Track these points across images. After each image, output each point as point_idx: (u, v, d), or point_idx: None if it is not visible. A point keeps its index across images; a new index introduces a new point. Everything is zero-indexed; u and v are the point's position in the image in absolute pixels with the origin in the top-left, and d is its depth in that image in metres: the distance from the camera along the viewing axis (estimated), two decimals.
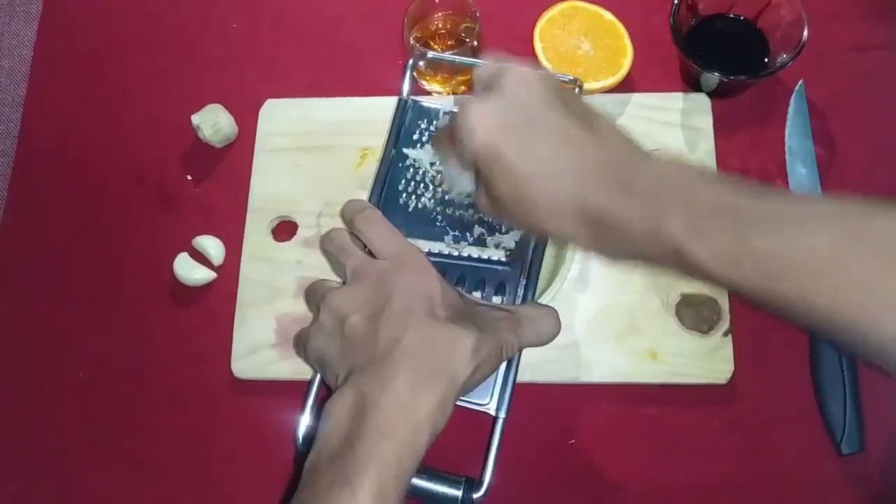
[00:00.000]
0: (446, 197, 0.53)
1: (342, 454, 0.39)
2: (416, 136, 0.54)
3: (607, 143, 0.41)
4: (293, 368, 0.60)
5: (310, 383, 0.50)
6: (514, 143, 0.41)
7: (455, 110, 0.55)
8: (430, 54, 0.59)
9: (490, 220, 0.52)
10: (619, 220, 0.39)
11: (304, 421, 0.49)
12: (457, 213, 0.53)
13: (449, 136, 0.45)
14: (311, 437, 0.43)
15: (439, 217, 0.53)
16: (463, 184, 0.50)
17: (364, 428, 0.39)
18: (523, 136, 0.41)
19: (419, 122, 0.54)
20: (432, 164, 0.54)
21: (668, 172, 0.40)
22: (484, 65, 0.46)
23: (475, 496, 0.46)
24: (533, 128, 0.41)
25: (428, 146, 0.54)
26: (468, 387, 0.43)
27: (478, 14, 0.65)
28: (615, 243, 0.40)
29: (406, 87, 0.55)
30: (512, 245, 0.52)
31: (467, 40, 0.65)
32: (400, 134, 0.54)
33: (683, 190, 0.39)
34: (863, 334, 0.34)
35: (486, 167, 0.41)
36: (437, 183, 0.53)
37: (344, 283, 0.48)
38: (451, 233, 0.52)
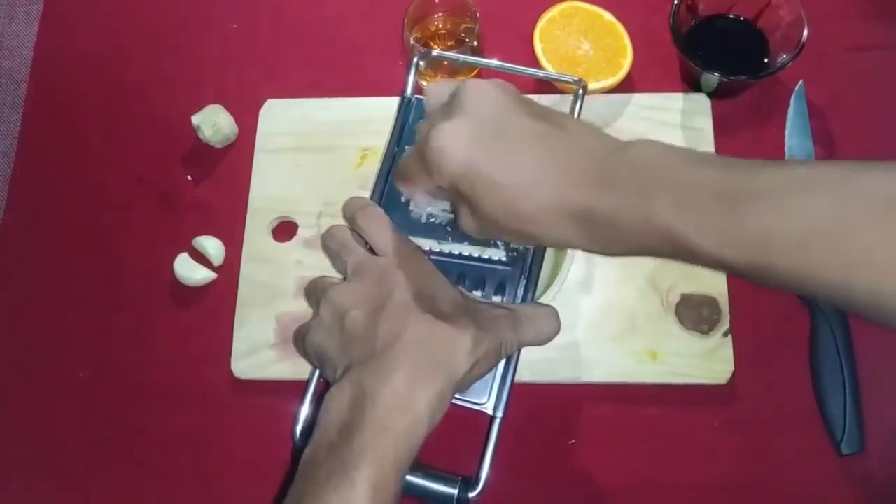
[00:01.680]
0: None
1: (340, 445, 0.39)
2: (419, 135, 0.54)
3: (580, 138, 0.41)
4: (293, 369, 0.60)
5: (308, 378, 0.50)
6: (490, 156, 0.40)
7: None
8: (435, 52, 0.59)
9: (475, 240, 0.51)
10: (607, 216, 0.38)
11: (303, 415, 0.49)
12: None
13: (415, 164, 0.44)
14: (308, 432, 0.43)
15: (441, 216, 0.52)
16: (436, 208, 0.50)
17: (362, 420, 0.39)
18: (497, 147, 0.40)
19: (423, 120, 0.54)
20: None
21: (648, 156, 0.39)
22: (432, 86, 0.45)
23: (471, 495, 0.46)
24: (504, 137, 0.40)
25: None
26: (466, 383, 0.43)
27: (478, 14, 0.65)
28: (609, 239, 0.39)
29: (410, 84, 0.55)
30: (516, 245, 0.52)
31: (467, 40, 0.65)
32: (403, 132, 0.54)
33: (666, 172, 0.38)
34: (866, 298, 0.34)
35: (468, 186, 0.41)
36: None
37: (344, 279, 0.48)
38: (452, 232, 0.52)
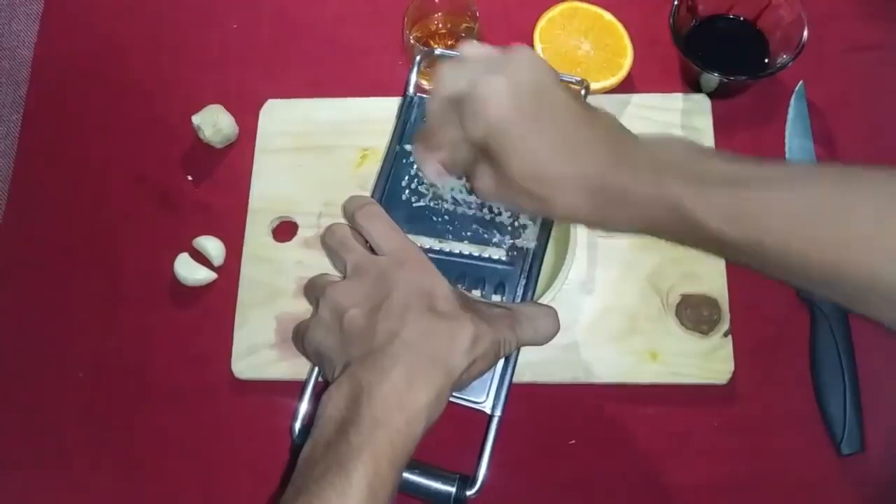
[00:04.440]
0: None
1: (337, 442, 0.39)
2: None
3: (608, 122, 0.44)
4: (293, 369, 0.60)
5: (307, 376, 0.50)
6: (528, 117, 0.41)
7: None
8: (438, 51, 0.59)
9: (491, 208, 0.52)
10: (627, 191, 0.41)
11: (301, 413, 0.49)
12: (459, 211, 0.53)
13: (446, 112, 0.45)
14: (306, 429, 0.43)
15: (441, 214, 0.53)
16: (446, 180, 0.50)
17: (360, 416, 0.39)
18: (536, 111, 0.42)
19: (424, 119, 0.55)
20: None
21: (668, 144, 0.43)
22: (472, 47, 0.46)
23: (469, 493, 0.46)
24: (544, 104, 0.42)
25: None
26: (464, 381, 0.43)
27: (478, 14, 0.65)
28: (620, 213, 0.42)
29: (413, 83, 0.55)
30: (524, 244, 0.52)
31: (467, 40, 0.65)
32: (405, 130, 0.54)
33: (682, 157, 0.41)
34: (856, 280, 0.36)
35: (498, 144, 0.42)
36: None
37: (344, 277, 0.48)
38: (452, 230, 0.52)
